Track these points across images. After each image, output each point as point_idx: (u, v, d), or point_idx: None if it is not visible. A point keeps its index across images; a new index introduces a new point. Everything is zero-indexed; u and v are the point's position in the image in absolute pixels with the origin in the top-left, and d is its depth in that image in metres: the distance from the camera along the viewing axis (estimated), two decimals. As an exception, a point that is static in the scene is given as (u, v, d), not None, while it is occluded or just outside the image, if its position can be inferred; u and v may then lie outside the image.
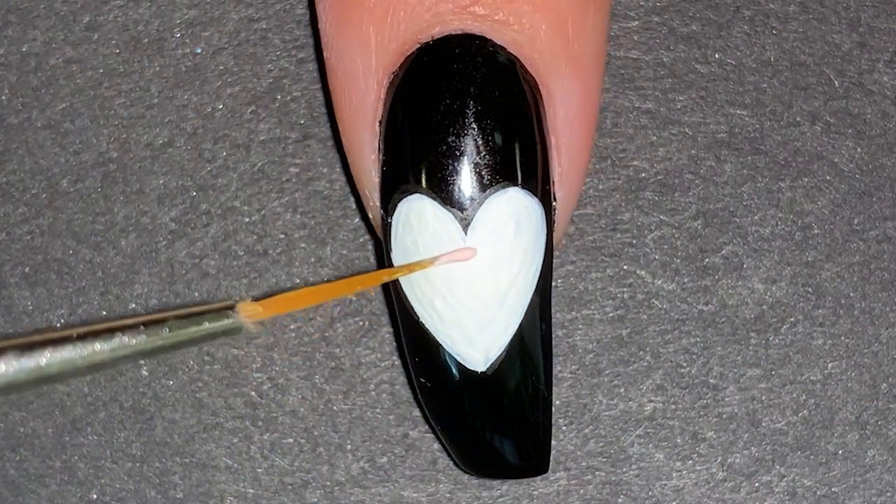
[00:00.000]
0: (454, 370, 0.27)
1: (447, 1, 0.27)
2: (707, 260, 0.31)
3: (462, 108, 0.27)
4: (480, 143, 0.27)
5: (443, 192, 0.27)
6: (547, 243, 0.27)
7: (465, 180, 0.27)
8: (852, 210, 0.31)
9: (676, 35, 0.31)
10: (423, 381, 0.28)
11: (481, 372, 0.27)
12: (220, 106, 0.31)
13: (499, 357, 0.27)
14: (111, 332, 0.25)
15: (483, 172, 0.27)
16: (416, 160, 0.27)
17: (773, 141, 0.31)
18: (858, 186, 0.31)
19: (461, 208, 0.27)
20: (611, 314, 0.31)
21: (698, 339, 0.31)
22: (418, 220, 0.27)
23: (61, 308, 0.31)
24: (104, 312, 0.31)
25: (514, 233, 0.27)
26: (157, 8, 0.32)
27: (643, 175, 0.31)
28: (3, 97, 0.32)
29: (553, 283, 0.31)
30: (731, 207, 0.31)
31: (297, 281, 0.31)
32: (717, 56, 0.31)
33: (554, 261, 0.31)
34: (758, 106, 0.31)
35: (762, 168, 0.31)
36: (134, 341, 0.25)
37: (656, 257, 0.31)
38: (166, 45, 0.32)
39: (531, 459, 0.28)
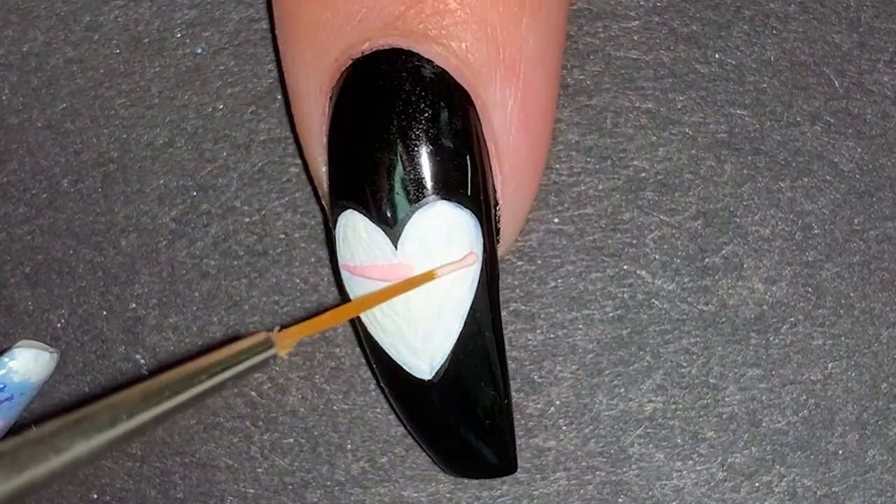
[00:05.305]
0: (403, 378, 0.28)
1: (373, 17, 0.27)
2: (707, 260, 0.31)
3: (386, 125, 0.27)
4: (405, 158, 0.27)
5: (371, 208, 0.27)
6: (486, 252, 0.28)
7: (392, 196, 0.27)
8: (852, 210, 0.31)
9: (676, 35, 0.31)
10: (382, 386, 0.29)
11: (428, 380, 0.28)
12: (221, 106, 0.31)
13: (443, 365, 0.27)
14: (161, 391, 0.24)
15: (409, 188, 0.27)
16: (348, 176, 0.27)
17: (773, 141, 0.31)
18: (858, 186, 0.31)
19: (389, 224, 0.27)
20: (611, 314, 0.31)
21: (698, 339, 0.31)
22: (353, 235, 0.27)
23: (61, 308, 0.31)
24: (104, 312, 0.31)
25: (444, 245, 0.27)
26: (157, 8, 0.32)
27: (643, 175, 0.31)
28: (4, 97, 0.32)
29: (553, 284, 0.31)
30: (731, 207, 0.31)
31: (297, 281, 0.31)
32: (717, 56, 0.31)
33: (554, 261, 0.31)
34: (758, 106, 0.31)
35: (762, 168, 0.31)
36: (177, 399, 0.24)
37: (656, 257, 0.31)
38: (167, 45, 0.32)
39: (495, 461, 0.29)
